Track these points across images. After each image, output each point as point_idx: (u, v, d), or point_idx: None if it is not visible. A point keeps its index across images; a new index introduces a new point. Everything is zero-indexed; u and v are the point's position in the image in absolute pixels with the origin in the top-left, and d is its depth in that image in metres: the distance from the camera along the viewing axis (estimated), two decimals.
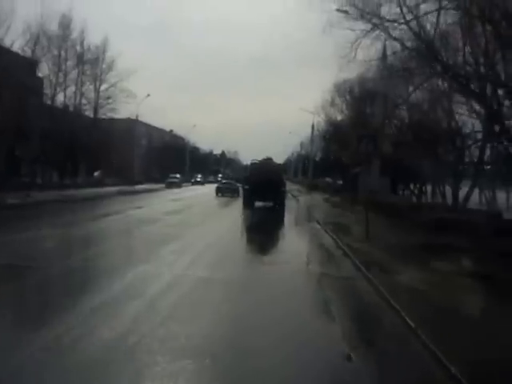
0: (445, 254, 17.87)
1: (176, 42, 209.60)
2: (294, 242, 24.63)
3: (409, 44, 28.31)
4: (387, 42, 30.72)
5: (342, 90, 62.07)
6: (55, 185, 60.19)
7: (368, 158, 42.19)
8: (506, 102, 26.30)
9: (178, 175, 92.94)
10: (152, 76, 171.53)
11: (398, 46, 29.92)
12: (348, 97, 61.95)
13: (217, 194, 62.88)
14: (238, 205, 45.98)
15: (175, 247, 19.59)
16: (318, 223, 31.04)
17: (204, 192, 72.32)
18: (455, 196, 39.54)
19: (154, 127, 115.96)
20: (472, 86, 26.77)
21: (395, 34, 27.69)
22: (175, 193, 64.83)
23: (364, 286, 14.31)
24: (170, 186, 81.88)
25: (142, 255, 17.74)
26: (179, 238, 22.10)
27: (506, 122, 26.48)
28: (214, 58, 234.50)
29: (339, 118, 67.81)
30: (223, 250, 19.91)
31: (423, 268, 15.78)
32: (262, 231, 28.18)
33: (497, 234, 21.92)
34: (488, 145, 36.70)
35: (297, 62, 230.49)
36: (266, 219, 35.90)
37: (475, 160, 38.50)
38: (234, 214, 37.85)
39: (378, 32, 27.76)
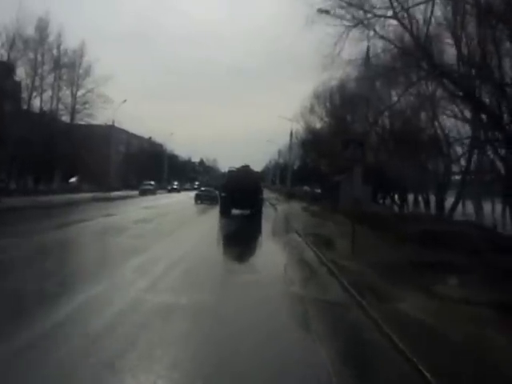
0: (444, 273, 15.24)
1: (154, 50, 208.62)
2: (273, 258, 21.22)
3: (397, 42, 26.04)
4: (372, 42, 28.34)
5: (322, 97, 60.05)
6: (30, 190, 57.84)
7: (350, 165, 39.86)
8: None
9: (152, 182, 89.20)
10: (130, 84, 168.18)
11: (383, 45, 27.84)
12: (328, 104, 59.78)
13: (196, 201, 60.69)
14: (213, 213, 43.58)
15: (138, 262, 16.73)
16: (298, 234, 28.03)
17: (180, 199, 69.67)
18: (441, 206, 37.19)
19: (133, 134, 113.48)
20: (464, 86, 24.26)
21: (382, 32, 25.42)
22: (149, 200, 61.79)
23: (360, 318, 11.31)
24: (144, 193, 78.37)
25: (96, 274, 14.65)
26: (145, 251, 19.22)
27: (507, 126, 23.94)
28: (191, 67, 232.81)
29: (318, 125, 66.01)
30: (192, 268, 16.83)
31: (425, 293, 12.98)
32: (238, 243, 25.20)
33: (496, 249, 19.38)
34: (475, 152, 34.54)
35: (276, 71, 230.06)
36: (243, 229, 32.66)
37: (462, 169, 36.29)
38: (208, 224, 34.84)
39: (362, 30, 25.57)
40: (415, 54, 24.44)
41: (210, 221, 37.09)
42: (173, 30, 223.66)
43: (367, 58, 32.02)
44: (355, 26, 25.20)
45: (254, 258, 21.41)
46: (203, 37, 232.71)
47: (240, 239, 27.10)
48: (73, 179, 77.14)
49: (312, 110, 66.05)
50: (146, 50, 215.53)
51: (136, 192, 78.71)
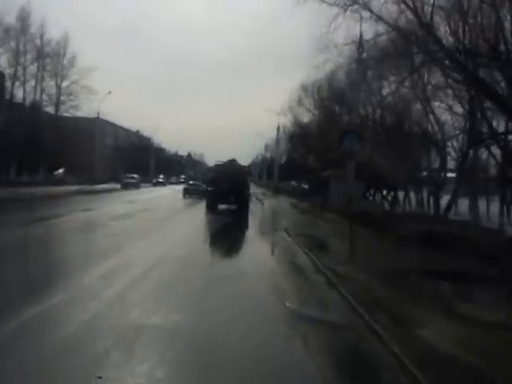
0: (463, 285, 12.83)
1: (142, 43, 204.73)
2: (263, 263, 17.75)
3: (394, 25, 23.59)
4: (367, 27, 26.17)
5: (310, 89, 57.68)
6: (12, 182, 55.54)
7: (342, 160, 37.64)
8: None
9: (135, 175, 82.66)
10: (117, 76, 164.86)
11: (378, 31, 25.45)
12: (316, 96, 57.26)
13: (184, 195, 58.36)
14: (198, 209, 41.31)
15: (107, 267, 14.14)
16: (288, 234, 25.17)
17: (165, 194, 66.47)
18: (436, 204, 34.70)
19: (120, 127, 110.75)
20: (470, 70, 21.78)
21: (380, 13, 23.04)
22: (133, 194, 58.67)
23: (376, 350, 8.58)
24: (126, 186, 72.89)
25: (51, 284, 11.82)
26: (118, 253, 16.70)
27: None
28: (179, 61, 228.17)
29: (306, 119, 63.91)
30: (169, 276, 14.16)
31: (448, 314, 10.39)
32: (223, 245, 22.43)
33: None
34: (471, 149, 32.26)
35: (264, 65, 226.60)
36: (229, 228, 29.34)
37: (458, 164, 33.93)
38: (192, 221, 31.67)
39: (357, 10, 23.31)
40: (418, 35, 21.91)
41: (194, 218, 34.35)
42: (161, 23, 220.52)
43: (360, 42, 29.77)
44: (351, 5, 22.83)
45: (241, 264, 17.84)
46: (193, 30, 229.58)
47: (225, 239, 24.22)
48: (59, 171, 74.23)
49: (300, 103, 63.80)
50: (134, 43, 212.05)
51: None
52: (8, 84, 61.91)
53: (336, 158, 45.97)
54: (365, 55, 30.29)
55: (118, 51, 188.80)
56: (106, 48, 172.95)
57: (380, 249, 19.82)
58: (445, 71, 24.48)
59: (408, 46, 23.82)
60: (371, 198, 47.27)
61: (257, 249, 21.59)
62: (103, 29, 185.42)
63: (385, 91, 36.16)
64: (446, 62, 22.71)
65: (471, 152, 32.77)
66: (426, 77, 30.48)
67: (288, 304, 11.45)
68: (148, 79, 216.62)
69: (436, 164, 37.04)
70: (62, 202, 39.54)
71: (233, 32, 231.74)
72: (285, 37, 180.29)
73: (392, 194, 44.62)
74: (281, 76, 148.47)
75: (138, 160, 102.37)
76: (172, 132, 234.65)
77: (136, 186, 76.19)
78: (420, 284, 13.24)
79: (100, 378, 6.55)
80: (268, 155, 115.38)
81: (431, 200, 36.65)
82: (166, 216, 32.74)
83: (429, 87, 30.86)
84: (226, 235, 25.95)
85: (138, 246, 18.67)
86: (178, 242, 21.00)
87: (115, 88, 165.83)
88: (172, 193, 62.30)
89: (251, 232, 28.38)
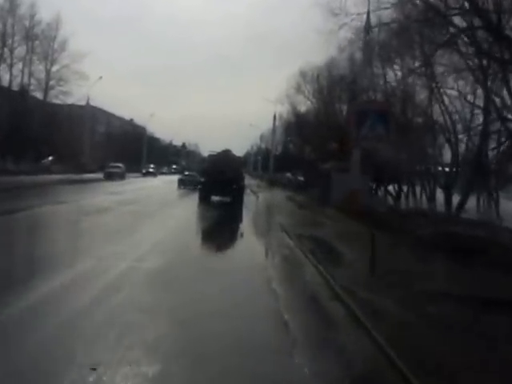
0: None
1: (138, 32, 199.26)
2: (260, 282, 12.58)
3: None
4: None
5: (310, 75, 54.11)
6: None
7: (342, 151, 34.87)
8: None
9: (120, 164, 72.60)
10: (112, 66, 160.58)
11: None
12: (316, 85, 53.55)
13: (179, 186, 55.37)
14: (187, 202, 38.04)
15: (59, 283, 10.20)
16: (288, 235, 20.74)
17: (154, 185, 61.14)
18: (448, 202, 30.97)
19: (113, 114, 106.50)
20: None
21: None
22: (118, 184, 53.11)
23: None
24: (110, 176, 63.35)
25: None
26: (77, 262, 12.57)
27: None
28: (175, 50, 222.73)
29: (304, 108, 60.87)
30: (141, 295, 10.18)
31: None
32: (213, 251, 18.13)
33: None
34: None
35: (262, 56, 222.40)
36: (220, 227, 24.94)
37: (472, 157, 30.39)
38: (178, 217, 27.02)
39: None
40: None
41: (182, 213, 29.76)
42: (159, 12, 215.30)
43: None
44: None
45: (233, 281, 12.68)
46: (188, 20, 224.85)
47: (216, 243, 19.87)
48: (47, 159, 69.64)
49: (299, 90, 60.32)
50: (130, 32, 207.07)
51: None
52: None
53: (334, 149, 42.72)
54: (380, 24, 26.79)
55: (114, 40, 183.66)
56: (102, 37, 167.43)
57: (404, 259, 15.59)
58: (476, 43, 20.60)
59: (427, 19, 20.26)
60: (373, 192, 43.33)
61: (252, 258, 16.70)
62: (100, 18, 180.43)
63: (393, 76, 33.05)
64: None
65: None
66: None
67: (299, 360, 7.30)
68: (144, 69, 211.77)
69: (447, 157, 33.46)
70: (37, 192, 34.83)
71: (230, 22, 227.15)
72: (283, 27, 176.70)
73: (396, 187, 40.92)
74: (278, 67, 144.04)
75: (131, 149, 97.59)
76: (167, 122, 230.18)
77: (121, 176, 67.40)
78: (490, 328, 8.96)
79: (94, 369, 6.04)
80: (263, 146, 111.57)
81: (436, 195, 33.46)
82: (149, 211, 27.85)
83: (441, 73, 27.45)
84: (218, 237, 21.45)
85: (99, 255, 13.76)
86: (155, 246, 16.25)
87: (110, 77, 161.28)
88: (162, 184, 57.95)
89: (247, 233, 23.30)
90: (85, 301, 9.34)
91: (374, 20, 27.27)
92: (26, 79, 63.54)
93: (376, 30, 28.14)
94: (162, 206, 32.02)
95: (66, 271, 11.72)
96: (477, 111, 29.77)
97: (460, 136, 31.82)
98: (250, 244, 19.96)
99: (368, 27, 27.81)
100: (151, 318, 8.67)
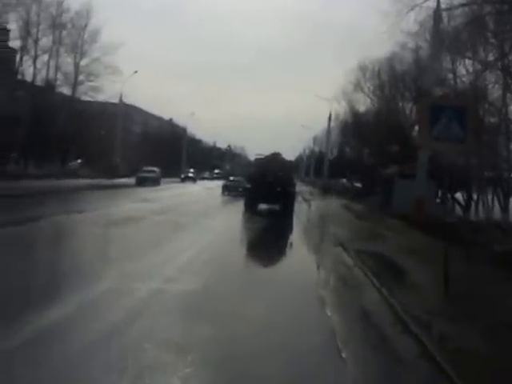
0: None
1: (177, 23, 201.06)
2: (310, 308, 11.56)
3: None
4: None
5: (370, 70, 53.37)
6: (14, 174, 50.74)
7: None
8: None
9: (155, 168, 70.81)
10: (146, 58, 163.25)
11: None
12: (377, 82, 53.30)
13: (223, 192, 55.82)
14: (232, 210, 37.93)
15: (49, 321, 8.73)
16: (345, 249, 19.84)
17: (193, 191, 60.93)
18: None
19: (150, 114, 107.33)
20: None
21: None
22: (151, 191, 52.80)
23: None
24: (143, 182, 62.35)
25: None
26: (90, 283, 11.55)
27: None
28: (219, 46, 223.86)
29: (363, 107, 60.41)
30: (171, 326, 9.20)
31: None
32: (256, 274, 15.89)
33: None
34: None
35: (316, 52, 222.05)
36: (266, 240, 23.72)
37: None
38: (222, 226, 26.67)
39: None
40: None
41: (223, 225, 28.17)
42: (203, 5, 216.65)
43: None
44: None
45: (278, 310, 11.29)
46: (235, 13, 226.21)
47: (262, 259, 18.83)
48: (75, 162, 70.11)
49: (357, 86, 59.64)
50: (172, 26, 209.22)
51: None
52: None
53: (396, 152, 42.13)
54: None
55: (151, 32, 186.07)
56: (137, 27, 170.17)
57: (481, 280, 14.70)
58: None
59: None
60: (439, 200, 42.40)
61: (303, 278, 15.33)
62: (135, 6, 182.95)
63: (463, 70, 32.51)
64: None
65: None
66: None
67: None
68: (184, 65, 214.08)
69: None
70: (58, 199, 34.40)
71: (280, 13, 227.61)
72: (341, 17, 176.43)
73: (465, 196, 40.12)
74: (335, 62, 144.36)
75: (169, 152, 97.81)
76: (210, 123, 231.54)
77: (155, 181, 66.30)
78: None
79: None
80: (317, 149, 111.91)
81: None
82: (185, 221, 27.18)
83: None
84: (262, 253, 20.24)
85: (120, 273, 12.69)
86: (189, 265, 15.19)
87: (146, 72, 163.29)
88: (201, 191, 57.97)
89: (296, 244, 22.93)
90: (94, 334, 8.27)
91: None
92: (51, 73, 63.67)
93: (446, 20, 27.84)
94: (200, 216, 31.08)
95: (76, 295, 10.59)
96: None
97: None
98: (301, 262, 18.81)
99: (439, 11, 27.12)
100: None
